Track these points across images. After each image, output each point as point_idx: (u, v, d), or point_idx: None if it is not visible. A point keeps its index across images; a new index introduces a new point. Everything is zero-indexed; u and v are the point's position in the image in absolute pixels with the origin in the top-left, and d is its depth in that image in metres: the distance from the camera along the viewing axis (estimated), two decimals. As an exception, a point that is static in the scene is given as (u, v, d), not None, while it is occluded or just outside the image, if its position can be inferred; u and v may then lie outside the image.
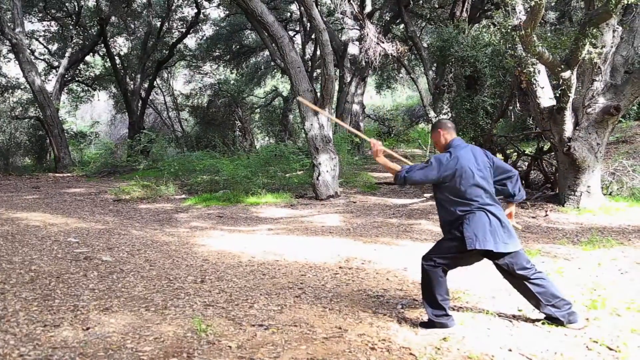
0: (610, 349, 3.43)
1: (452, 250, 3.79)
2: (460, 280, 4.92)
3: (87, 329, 3.77)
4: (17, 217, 8.64)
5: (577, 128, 8.67)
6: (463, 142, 3.92)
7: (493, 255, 3.71)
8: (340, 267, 5.62)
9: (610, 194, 9.47)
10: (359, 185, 12.90)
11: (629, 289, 4.55)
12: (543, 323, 3.79)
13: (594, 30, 7.66)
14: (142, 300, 4.45)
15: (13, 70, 23.75)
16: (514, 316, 4.02)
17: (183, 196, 12.02)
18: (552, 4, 16.52)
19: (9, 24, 18.60)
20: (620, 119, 9.81)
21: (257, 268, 5.60)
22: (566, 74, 8.09)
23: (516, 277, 3.75)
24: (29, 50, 20.78)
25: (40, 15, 23.20)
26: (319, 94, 11.47)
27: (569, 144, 8.52)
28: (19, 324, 3.82)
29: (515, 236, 3.77)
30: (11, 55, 21.94)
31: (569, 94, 8.33)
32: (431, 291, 3.80)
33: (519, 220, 8.08)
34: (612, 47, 8.50)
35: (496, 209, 3.73)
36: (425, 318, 3.93)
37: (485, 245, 3.61)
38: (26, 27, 21.37)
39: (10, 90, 23.67)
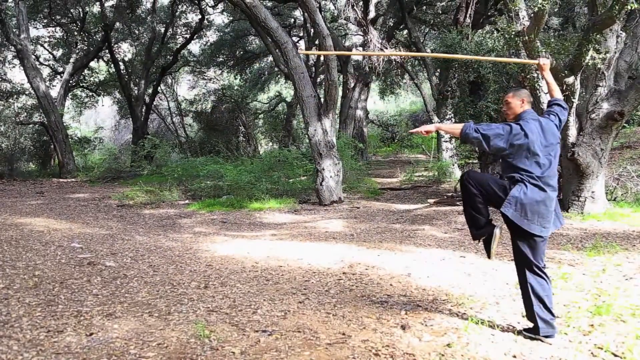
0: (615, 356, 3.41)
1: (491, 188, 3.73)
2: (465, 286, 4.91)
3: (91, 334, 3.77)
4: (21, 223, 8.66)
5: (580, 133, 8.66)
6: (535, 114, 3.84)
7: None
8: (343, 273, 5.61)
9: (614, 200, 9.44)
10: (362, 190, 12.89)
11: (634, 295, 4.53)
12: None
13: (598, 35, 7.67)
14: (145, 305, 4.45)
15: (18, 76, 23.86)
16: (518, 322, 4.01)
17: (187, 201, 12.04)
18: (556, 10, 16.51)
19: (14, 30, 18.72)
20: (624, 124, 9.78)
21: (261, 273, 5.60)
22: (570, 80, 8.09)
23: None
24: (33, 56, 20.91)
25: (45, 21, 23.32)
26: (322, 100, 11.49)
27: (572, 149, 8.51)
28: (22, 329, 3.82)
29: (555, 221, 3.73)
30: (16, 61, 22.05)
31: (573, 100, 8.32)
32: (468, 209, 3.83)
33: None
34: (615, 52, 8.49)
35: (551, 191, 3.65)
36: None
37: (520, 221, 3.59)
38: (31, 33, 21.50)
39: (15, 96, 23.77)
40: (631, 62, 8.76)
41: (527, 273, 3.70)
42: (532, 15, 8.16)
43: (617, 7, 7.16)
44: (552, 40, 9.22)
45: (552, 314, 3.67)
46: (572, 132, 8.69)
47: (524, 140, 3.61)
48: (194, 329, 3.88)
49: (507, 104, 3.91)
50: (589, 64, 7.92)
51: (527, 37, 7.70)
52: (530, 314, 3.72)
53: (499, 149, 3.66)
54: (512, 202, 3.61)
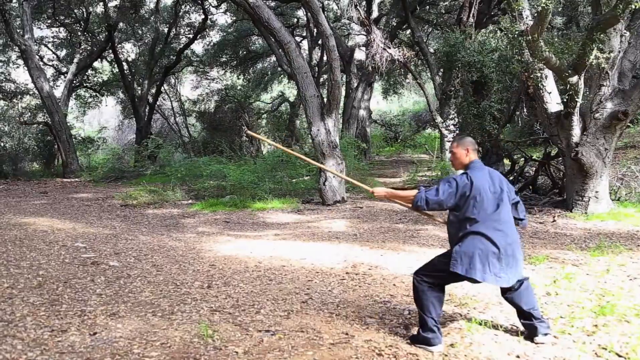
0: (619, 356, 3.41)
1: (441, 266, 3.67)
2: (468, 287, 4.90)
3: (94, 334, 3.78)
4: (25, 222, 8.68)
5: (584, 133, 8.63)
6: (482, 165, 3.82)
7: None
8: (347, 273, 5.61)
9: (618, 200, 9.41)
10: (365, 190, 12.88)
11: (638, 295, 4.51)
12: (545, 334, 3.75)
13: (602, 35, 7.64)
14: (149, 305, 4.46)
15: (22, 76, 23.94)
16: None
17: (190, 201, 12.05)
18: (559, 9, 16.48)
19: (18, 30, 18.77)
20: (628, 124, 9.74)
21: (264, 273, 5.60)
22: (573, 79, 8.07)
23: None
24: (37, 57, 20.96)
25: (49, 21, 23.41)
26: (325, 100, 11.49)
27: (576, 149, 8.49)
28: (26, 328, 3.83)
29: (518, 267, 3.63)
30: (20, 61, 22.12)
31: (577, 99, 8.30)
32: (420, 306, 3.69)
33: (527, 227, 8.05)
34: (619, 52, 8.47)
35: (501, 237, 3.55)
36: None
37: (470, 273, 3.50)
38: (35, 33, 21.56)
39: (19, 96, 23.85)
40: (635, 61, 8.72)
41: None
42: (536, 14, 8.15)
43: (621, 6, 7.14)
44: (556, 39, 9.21)
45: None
46: (576, 132, 8.67)
47: (471, 189, 3.58)
48: (197, 328, 3.88)
49: (452, 154, 3.90)
50: (593, 63, 7.90)
51: (530, 37, 7.68)
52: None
53: (454, 206, 3.64)
54: (457, 257, 3.55)
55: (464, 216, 3.61)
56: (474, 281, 3.57)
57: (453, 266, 3.53)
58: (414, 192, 3.75)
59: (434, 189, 3.67)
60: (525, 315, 3.69)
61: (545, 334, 3.65)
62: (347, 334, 3.82)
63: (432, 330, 3.57)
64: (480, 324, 3.95)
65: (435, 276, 3.67)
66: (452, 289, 4.84)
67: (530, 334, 3.68)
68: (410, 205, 3.78)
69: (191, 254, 6.57)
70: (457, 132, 12.00)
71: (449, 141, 14.57)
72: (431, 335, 3.57)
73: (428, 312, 3.60)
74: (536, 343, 3.62)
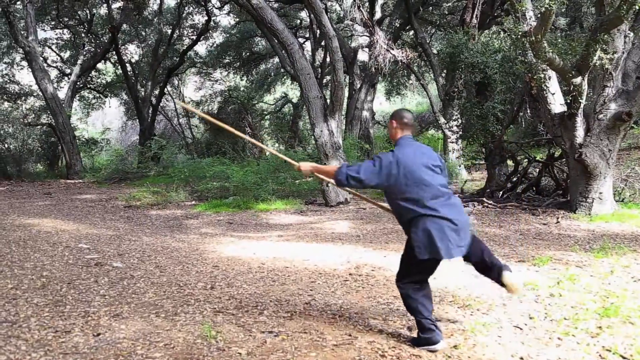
0: (624, 358, 3.39)
1: (410, 260, 3.58)
2: (471, 288, 4.89)
3: (98, 335, 3.78)
4: (29, 223, 8.71)
5: (588, 134, 8.61)
6: (411, 141, 3.68)
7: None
8: (350, 274, 5.61)
9: (622, 201, 9.38)
10: (368, 191, 12.87)
11: (643, 297, 4.50)
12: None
13: (605, 36, 7.63)
14: (152, 306, 4.46)
15: (26, 77, 24.03)
16: (525, 324, 3.99)
17: (193, 202, 12.07)
18: (563, 10, 16.46)
19: (22, 32, 18.84)
20: (632, 125, 9.72)
21: (267, 274, 5.60)
22: (577, 80, 8.06)
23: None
24: (41, 58, 21.03)
25: (53, 23, 23.48)
26: (328, 101, 11.49)
27: (580, 150, 8.47)
28: (30, 329, 3.84)
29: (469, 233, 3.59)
30: (24, 63, 22.23)
31: (580, 100, 8.28)
32: (412, 311, 3.64)
33: (530, 228, 8.04)
34: (623, 52, 8.45)
35: (448, 209, 3.46)
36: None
37: (436, 255, 3.43)
38: (39, 35, 21.64)
39: (23, 98, 23.95)
40: (639, 62, 8.71)
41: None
42: (539, 15, 8.14)
43: (624, 7, 7.12)
44: (560, 40, 9.19)
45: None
46: (580, 133, 8.66)
47: (398, 167, 3.48)
48: (201, 329, 3.89)
49: (389, 127, 3.82)
50: (597, 64, 7.89)
51: (533, 38, 7.67)
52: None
53: (377, 185, 3.54)
54: (417, 244, 3.45)
55: (403, 196, 3.51)
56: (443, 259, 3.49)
57: (418, 254, 3.45)
58: (333, 170, 3.65)
59: (356, 166, 3.57)
60: (488, 265, 3.70)
61: (511, 271, 3.66)
62: (350, 335, 3.82)
63: (430, 330, 3.55)
64: (484, 326, 3.94)
65: (412, 272, 3.61)
66: (456, 290, 4.84)
67: (499, 275, 3.66)
68: (332, 180, 3.68)
69: (194, 255, 6.58)
70: (460, 133, 11.98)
71: (452, 142, 14.58)
72: (430, 335, 3.55)
73: (420, 314, 3.56)
74: (505, 282, 3.63)
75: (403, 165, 3.49)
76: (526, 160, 10.98)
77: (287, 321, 4.14)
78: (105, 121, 34.86)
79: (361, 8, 16.78)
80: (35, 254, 6.28)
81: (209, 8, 22.58)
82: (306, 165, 3.97)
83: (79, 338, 3.71)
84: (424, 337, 3.57)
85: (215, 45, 25.95)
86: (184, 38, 25.79)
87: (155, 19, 24.03)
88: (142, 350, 3.54)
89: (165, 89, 25.49)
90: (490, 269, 3.72)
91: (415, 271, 3.60)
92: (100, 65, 26.17)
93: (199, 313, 4.30)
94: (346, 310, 4.38)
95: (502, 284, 3.68)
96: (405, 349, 3.58)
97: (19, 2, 19.14)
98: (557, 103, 9.16)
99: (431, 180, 3.51)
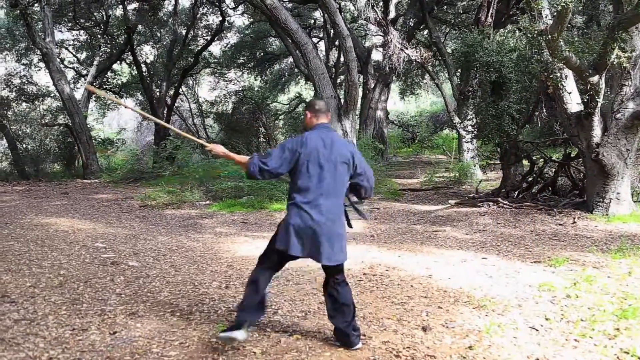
0: (642, 360, 3.35)
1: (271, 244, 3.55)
2: (486, 288, 4.86)
3: (114, 333, 3.82)
4: (47, 223, 8.81)
5: (605, 134, 8.51)
6: (325, 130, 3.54)
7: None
8: (364, 274, 5.60)
9: (640, 201, 9.26)
10: (382, 191, 12.84)
11: (661, 299, 4.44)
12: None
13: (623, 34, 7.53)
14: (167, 305, 4.49)
15: (43, 78, 24.30)
16: (541, 325, 3.95)
17: (208, 202, 12.12)
18: (580, 8, 16.28)
19: (39, 34, 19.07)
20: (651, 124, 9.56)
21: (281, 274, 5.60)
22: (594, 79, 7.96)
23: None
24: (58, 59, 21.27)
25: (69, 25, 23.72)
26: (342, 100, 11.49)
27: (597, 150, 8.37)
28: (48, 327, 3.89)
29: (339, 249, 3.53)
30: (42, 64, 22.47)
31: (597, 99, 8.18)
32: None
33: (546, 228, 7.97)
34: (641, 51, 8.34)
35: (317, 211, 3.36)
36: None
37: (290, 249, 3.36)
38: (56, 36, 21.89)
39: (41, 98, 24.23)
40: (658, 60, 8.58)
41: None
42: (556, 13, 8.05)
43: (643, 5, 7.03)
44: (576, 39, 9.09)
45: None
46: (597, 133, 8.56)
47: (301, 148, 3.38)
48: (216, 328, 3.91)
49: (304, 118, 3.70)
50: (614, 63, 7.79)
51: (550, 36, 7.60)
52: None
53: (278, 168, 3.39)
54: (279, 231, 3.40)
55: (293, 182, 3.44)
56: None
57: (277, 242, 3.41)
58: (246, 160, 3.51)
59: (267, 154, 3.45)
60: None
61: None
62: (364, 335, 3.81)
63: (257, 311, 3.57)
64: (499, 326, 3.91)
65: (268, 257, 3.60)
66: (471, 291, 4.81)
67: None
68: (244, 172, 3.57)
69: (209, 254, 6.61)
70: (475, 132, 11.90)
71: (467, 142, 14.48)
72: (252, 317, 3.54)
73: (249, 298, 3.56)
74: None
75: (308, 148, 3.39)
76: (542, 160, 10.87)
77: (301, 320, 4.14)
78: (120, 121, 35.19)
79: (375, 7, 16.76)
80: (52, 253, 6.36)
81: (223, 8, 22.68)
82: (217, 149, 3.74)
83: (95, 336, 3.75)
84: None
85: (229, 45, 26.05)
86: (198, 38, 25.92)
87: (170, 20, 24.18)
88: (157, 348, 3.57)
89: (180, 90, 25.62)
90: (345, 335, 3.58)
91: (270, 257, 3.59)
92: (116, 66, 26.40)
93: (213, 312, 4.33)
94: (360, 310, 4.38)
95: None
96: (420, 349, 3.57)
97: (36, 4, 19.38)
98: (573, 102, 9.06)
99: (322, 176, 3.39)
